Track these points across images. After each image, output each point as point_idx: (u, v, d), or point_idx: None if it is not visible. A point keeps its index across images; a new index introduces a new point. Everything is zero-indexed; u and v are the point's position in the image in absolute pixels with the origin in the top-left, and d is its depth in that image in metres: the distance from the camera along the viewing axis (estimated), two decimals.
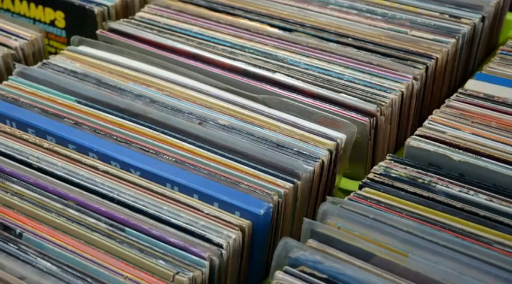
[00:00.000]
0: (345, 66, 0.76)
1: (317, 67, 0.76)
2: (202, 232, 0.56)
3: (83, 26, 0.88)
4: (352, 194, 0.60)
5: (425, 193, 0.60)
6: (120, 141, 0.66)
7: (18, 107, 0.70)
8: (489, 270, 0.51)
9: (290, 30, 0.83)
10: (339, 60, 0.77)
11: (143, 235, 0.56)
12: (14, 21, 0.85)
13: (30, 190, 0.60)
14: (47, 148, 0.65)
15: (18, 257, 0.54)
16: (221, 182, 0.61)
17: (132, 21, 0.85)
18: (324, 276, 0.52)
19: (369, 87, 0.73)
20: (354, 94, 0.72)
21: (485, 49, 0.91)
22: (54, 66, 0.77)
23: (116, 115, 0.69)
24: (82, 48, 0.80)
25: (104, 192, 0.60)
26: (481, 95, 0.71)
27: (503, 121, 0.67)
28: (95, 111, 0.69)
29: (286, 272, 0.52)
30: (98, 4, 0.87)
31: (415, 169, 0.63)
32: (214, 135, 0.65)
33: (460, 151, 0.64)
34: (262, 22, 0.84)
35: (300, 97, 0.72)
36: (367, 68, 0.75)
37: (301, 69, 0.76)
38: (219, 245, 0.55)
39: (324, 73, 0.75)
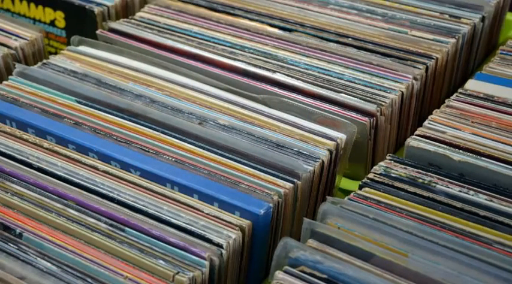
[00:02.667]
0: (345, 66, 0.76)
1: (317, 67, 0.76)
2: (202, 232, 0.56)
3: (83, 26, 0.88)
4: (352, 194, 0.60)
5: (425, 193, 0.60)
6: (120, 141, 0.66)
7: (18, 107, 0.70)
8: (489, 270, 0.51)
9: (290, 30, 0.83)
10: (339, 60, 0.77)
11: (143, 235, 0.56)
12: (14, 21, 0.85)
13: (30, 190, 0.60)
14: (47, 148, 0.65)
15: (18, 257, 0.54)
16: (221, 182, 0.61)
17: (132, 21, 0.85)
18: (324, 276, 0.52)
19: (369, 87, 0.73)
20: (354, 94, 0.72)
21: (485, 49, 0.91)
22: (54, 66, 0.77)
23: (116, 115, 0.69)
24: (82, 48, 0.80)
25: (104, 192, 0.60)
26: (481, 95, 0.71)
27: (503, 121, 0.67)
28: (95, 111, 0.69)
29: (286, 272, 0.52)
30: (98, 4, 0.87)
31: (415, 169, 0.63)
32: (214, 135, 0.65)
33: (460, 151, 0.64)
34: (262, 22, 0.84)
35: (300, 97, 0.72)
36: (367, 68, 0.75)
37: (301, 69, 0.76)
38: (219, 245, 0.55)
39: (324, 73, 0.75)
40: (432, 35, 0.80)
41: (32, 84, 0.73)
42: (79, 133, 0.66)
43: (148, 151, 0.64)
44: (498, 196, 0.59)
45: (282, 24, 0.83)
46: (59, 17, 0.90)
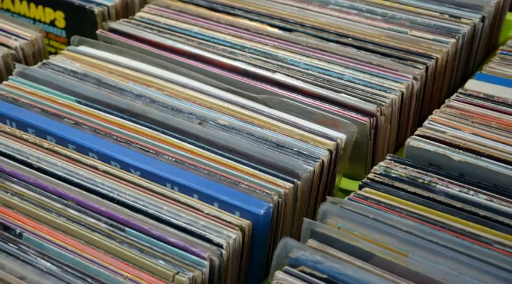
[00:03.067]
0: (345, 66, 0.76)
1: (317, 67, 0.76)
2: (202, 232, 0.56)
3: (83, 26, 0.88)
4: (352, 194, 0.60)
5: (425, 193, 0.60)
6: (120, 141, 0.66)
7: (18, 107, 0.70)
8: (489, 270, 0.51)
9: (290, 30, 0.83)
10: (339, 60, 0.77)
11: (143, 235, 0.56)
12: (14, 21, 0.85)
13: (30, 190, 0.60)
14: (47, 148, 0.65)
15: (18, 257, 0.54)
16: (221, 182, 0.61)
17: (132, 21, 0.85)
18: (324, 276, 0.52)
19: (369, 87, 0.73)
20: (354, 94, 0.72)
21: (485, 49, 0.91)
22: (54, 66, 0.77)
23: (116, 115, 0.69)
24: (82, 48, 0.80)
25: (104, 192, 0.60)
26: (481, 95, 0.71)
27: (503, 121, 0.67)
28: (95, 111, 0.69)
29: (286, 272, 0.52)
30: (98, 4, 0.87)
31: (415, 169, 0.63)
32: (214, 135, 0.65)
33: (460, 151, 0.64)
34: (262, 22, 0.84)
35: (300, 97, 0.72)
36: (367, 68, 0.75)
37: (301, 69, 0.76)
38: (219, 245, 0.55)
39: (324, 73, 0.75)
40: (432, 35, 0.80)
41: (32, 84, 0.73)
42: (79, 133, 0.66)
43: (148, 151, 0.64)
44: (498, 196, 0.59)
45: (282, 24, 0.83)
46: (59, 17, 0.90)
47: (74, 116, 0.69)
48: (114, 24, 0.83)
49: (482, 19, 0.84)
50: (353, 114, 0.69)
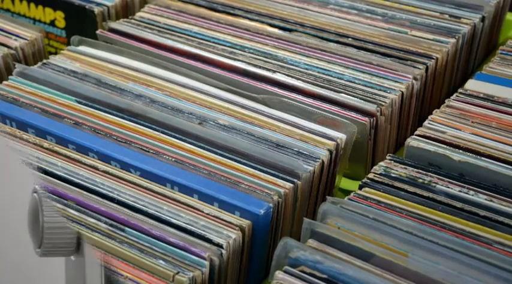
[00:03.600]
0: (345, 66, 0.76)
1: (317, 67, 0.76)
2: (202, 232, 0.56)
3: (83, 26, 0.88)
4: (352, 194, 0.60)
5: (425, 193, 0.60)
6: (120, 141, 0.66)
7: (18, 107, 0.70)
8: (489, 270, 0.51)
9: (290, 30, 0.83)
10: (339, 60, 0.77)
11: (143, 235, 0.56)
12: (14, 21, 0.85)
13: None
14: (47, 148, 0.65)
15: None
16: (221, 182, 0.61)
17: (132, 21, 0.85)
18: (324, 276, 0.52)
19: (369, 87, 0.73)
20: (354, 94, 0.72)
21: (485, 49, 0.91)
22: (54, 66, 0.77)
23: (116, 115, 0.69)
24: (82, 48, 0.80)
25: (104, 192, 0.60)
26: (481, 95, 0.71)
27: (503, 121, 0.67)
28: (95, 111, 0.69)
29: (286, 272, 0.52)
30: (98, 4, 0.87)
31: (415, 169, 0.63)
32: (214, 135, 0.65)
33: (460, 151, 0.64)
34: (262, 22, 0.84)
35: (300, 97, 0.72)
36: (367, 68, 0.75)
37: (301, 69, 0.76)
38: (219, 245, 0.55)
39: (324, 73, 0.75)
40: (432, 35, 0.80)
41: (32, 84, 0.73)
42: (79, 133, 0.66)
43: (148, 151, 0.64)
44: (498, 196, 0.59)
45: (282, 24, 0.83)
46: (59, 17, 0.90)
47: (74, 116, 0.69)
48: (114, 24, 0.83)
49: (482, 19, 0.84)
50: (353, 114, 0.69)
